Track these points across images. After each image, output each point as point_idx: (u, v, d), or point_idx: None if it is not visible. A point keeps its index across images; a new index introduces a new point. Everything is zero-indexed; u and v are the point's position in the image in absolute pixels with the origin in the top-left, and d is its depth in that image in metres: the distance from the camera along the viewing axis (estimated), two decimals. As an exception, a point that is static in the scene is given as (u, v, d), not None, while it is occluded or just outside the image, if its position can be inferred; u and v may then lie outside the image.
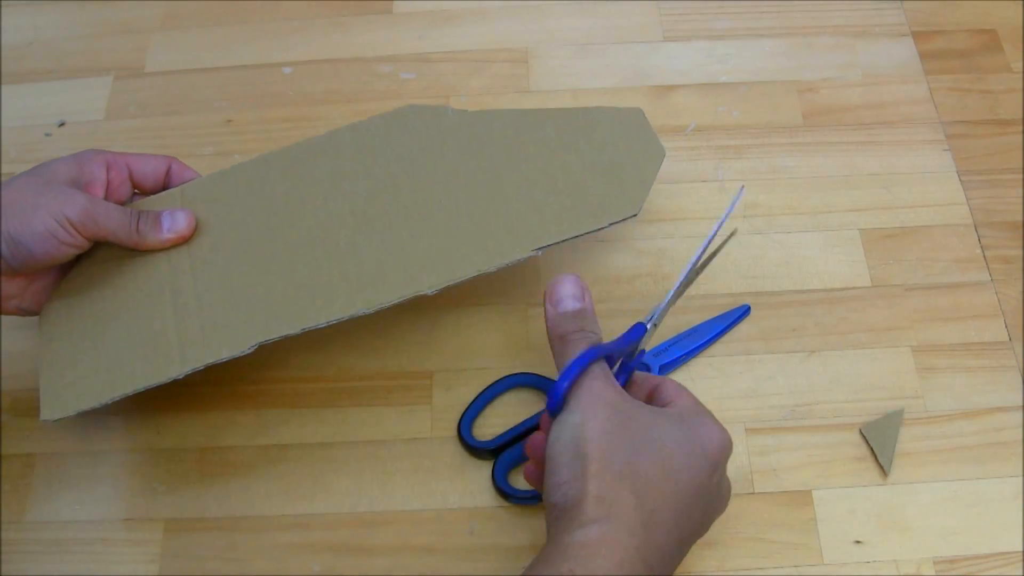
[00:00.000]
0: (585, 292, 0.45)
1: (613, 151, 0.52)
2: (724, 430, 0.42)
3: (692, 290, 0.56)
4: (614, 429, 0.39)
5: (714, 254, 0.47)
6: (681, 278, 0.46)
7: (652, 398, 0.44)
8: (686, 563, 0.48)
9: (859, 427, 0.51)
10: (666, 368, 0.53)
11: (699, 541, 0.49)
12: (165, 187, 0.53)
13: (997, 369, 0.53)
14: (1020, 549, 0.48)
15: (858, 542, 0.48)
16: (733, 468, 0.50)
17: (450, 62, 0.66)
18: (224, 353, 0.47)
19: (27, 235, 0.45)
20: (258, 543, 0.49)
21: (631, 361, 0.46)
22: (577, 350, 0.42)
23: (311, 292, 0.48)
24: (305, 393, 0.54)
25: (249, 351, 0.47)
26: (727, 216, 0.46)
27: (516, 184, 0.51)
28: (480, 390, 0.52)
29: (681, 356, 0.53)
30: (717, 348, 0.54)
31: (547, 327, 0.44)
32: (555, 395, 0.40)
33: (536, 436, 0.43)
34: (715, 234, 0.46)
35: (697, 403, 0.43)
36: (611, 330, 0.54)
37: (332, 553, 0.49)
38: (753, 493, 0.50)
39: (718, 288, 0.56)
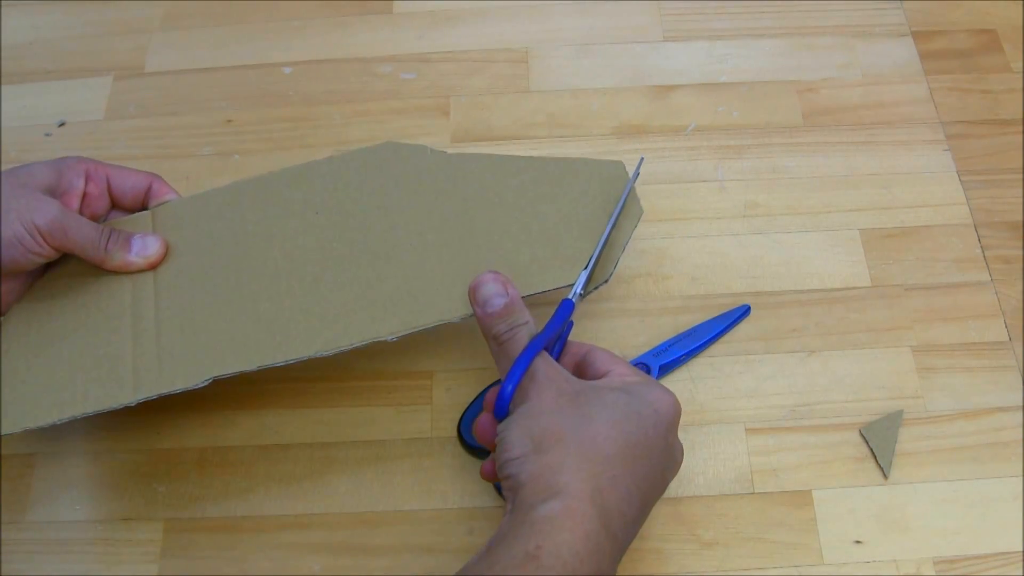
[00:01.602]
0: (507, 285, 0.45)
1: (591, 205, 0.51)
2: (670, 393, 0.43)
3: (692, 290, 0.56)
4: (563, 406, 0.40)
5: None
6: (603, 237, 0.48)
7: (583, 366, 0.45)
8: (686, 563, 0.48)
9: (859, 427, 0.51)
10: (666, 368, 0.53)
11: (699, 541, 0.49)
12: (144, 205, 0.52)
13: (997, 369, 0.53)
14: (1020, 549, 0.48)
15: (858, 542, 0.48)
16: (733, 468, 0.50)
17: (450, 62, 0.66)
18: (177, 385, 0.47)
19: None
20: (258, 543, 0.49)
21: (564, 333, 0.47)
22: (515, 348, 0.43)
23: (271, 329, 0.48)
24: (305, 393, 0.54)
25: (203, 385, 0.46)
26: (633, 181, 0.50)
27: (489, 231, 0.50)
28: (480, 390, 0.52)
29: (681, 356, 0.53)
30: (717, 348, 0.54)
31: (480, 329, 0.45)
32: (502, 400, 0.41)
33: (484, 417, 0.44)
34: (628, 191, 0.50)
35: (635, 370, 0.44)
36: (611, 330, 0.55)
37: (332, 553, 0.49)
38: (753, 493, 0.50)
39: (718, 288, 0.56)
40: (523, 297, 0.46)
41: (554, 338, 0.45)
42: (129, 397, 0.47)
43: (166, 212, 0.52)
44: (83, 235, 0.47)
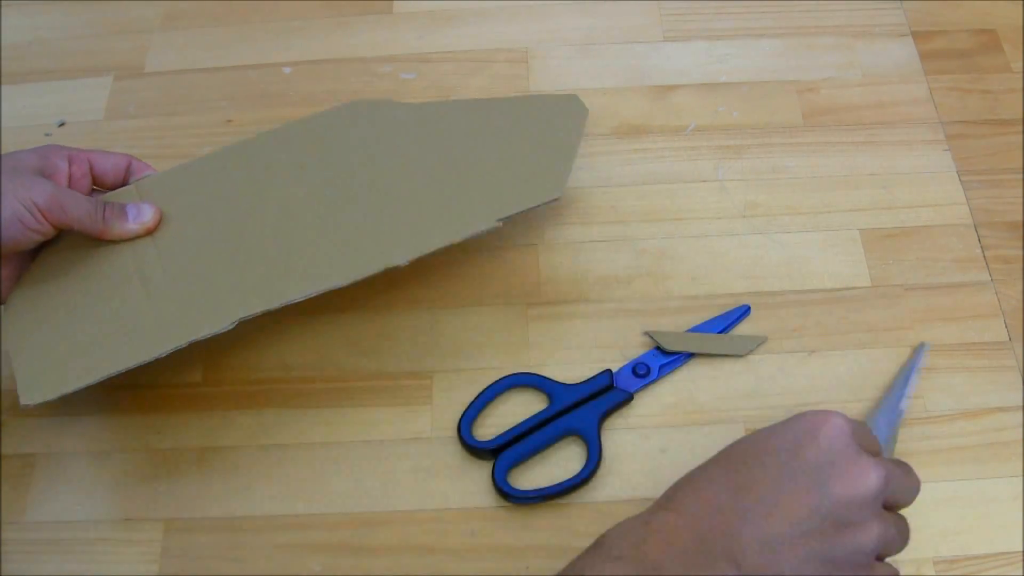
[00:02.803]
0: None
1: (557, 133, 0.55)
2: (825, 413, 0.40)
3: (692, 290, 0.56)
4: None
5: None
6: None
7: None
8: (686, 563, 0.48)
9: (859, 427, 0.51)
10: (665, 368, 0.53)
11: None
12: (124, 183, 0.53)
13: (997, 369, 0.53)
14: (1020, 549, 0.48)
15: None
16: (733, 468, 0.50)
17: (450, 62, 0.66)
18: (205, 330, 0.47)
19: None
20: (258, 543, 0.49)
21: None
22: None
23: (285, 269, 0.49)
24: (305, 393, 0.54)
25: (230, 327, 0.47)
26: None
27: (467, 166, 0.53)
28: (480, 390, 0.52)
29: (681, 356, 0.53)
30: (717, 348, 0.54)
31: None
32: None
33: None
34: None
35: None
36: (611, 330, 0.55)
37: (332, 553, 0.49)
38: (753, 493, 0.50)
39: (718, 288, 0.56)
40: (514, 214, 0.50)
41: None
42: (159, 348, 0.47)
43: (149, 184, 0.53)
44: (80, 209, 0.48)
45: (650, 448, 0.51)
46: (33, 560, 0.49)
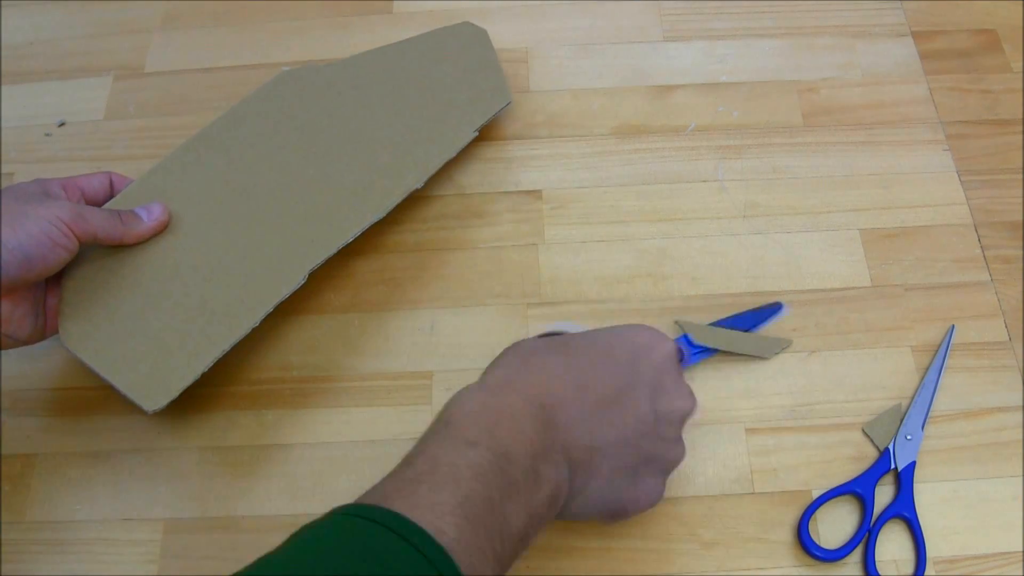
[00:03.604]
0: None
1: (475, 56, 0.62)
2: (655, 332, 0.45)
3: (692, 290, 0.56)
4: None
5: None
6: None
7: None
8: (686, 563, 0.48)
9: (859, 427, 0.51)
10: (686, 361, 0.52)
11: (699, 541, 0.49)
12: (111, 197, 0.55)
13: (997, 369, 0.53)
14: (1020, 549, 0.48)
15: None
16: (733, 468, 0.50)
17: (450, 62, 0.66)
18: (283, 290, 0.51)
19: (23, 238, 0.45)
20: (258, 543, 0.49)
21: None
22: None
23: (320, 221, 0.53)
24: (305, 393, 0.54)
25: (303, 281, 0.51)
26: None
27: (420, 101, 0.59)
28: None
29: (705, 351, 0.53)
30: (717, 348, 0.54)
31: None
32: None
33: None
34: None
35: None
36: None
37: (332, 553, 0.49)
38: (753, 493, 0.50)
39: (718, 288, 0.56)
40: (480, 127, 0.58)
41: None
42: (249, 320, 0.50)
43: (135, 191, 0.55)
44: (100, 218, 0.49)
45: (650, 448, 0.51)
46: (33, 560, 0.49)
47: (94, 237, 0.49)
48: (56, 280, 0.51)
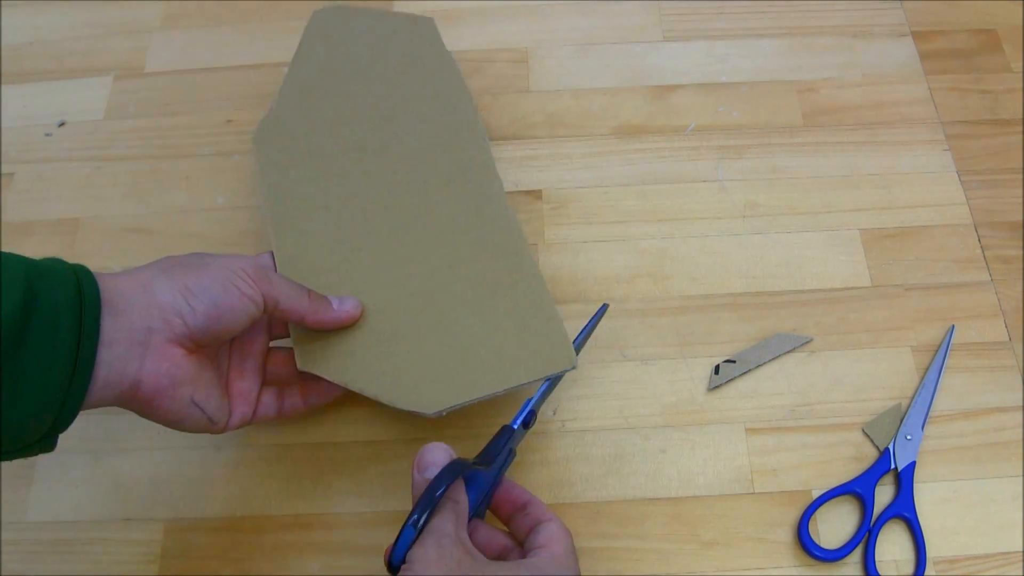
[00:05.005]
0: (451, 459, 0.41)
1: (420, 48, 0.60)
2: None
3: (692, 290, 0.56)
4: None
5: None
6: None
7: (519, 518, 0.43)
8: (687, 563, 0.48)
9: (859, 427, 0.51)
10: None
11: (699, 541, 0.49)
12: None
13: (997, 369, 0.53)
14: (1020, 549, 0.48)
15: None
16: (733, 468, 0.50)
17: (450, 62, 0.66)
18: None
19: (207, 282, 0.42)
20: (258, 543, 0.49)
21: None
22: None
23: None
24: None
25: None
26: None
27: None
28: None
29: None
30: (717, 348, 0.54)
31: (412, 494, 0.41)
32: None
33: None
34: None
35: (566, 557, 0.40)
36: (610, 330, 0.55)
37: (332, 553, 0.49)
38: (753, 493, 0.50)
39: (718, 288, 0.56)
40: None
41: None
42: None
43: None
44: (286, 286, 0.46)
45: (650, 448, 0.51)
46: (33, 560, 0.49)
47: (276, 303, 0.45)
48: (240, 361, 0.48)
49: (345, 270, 0.51)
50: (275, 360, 0.50)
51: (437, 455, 0.41)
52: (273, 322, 0.50)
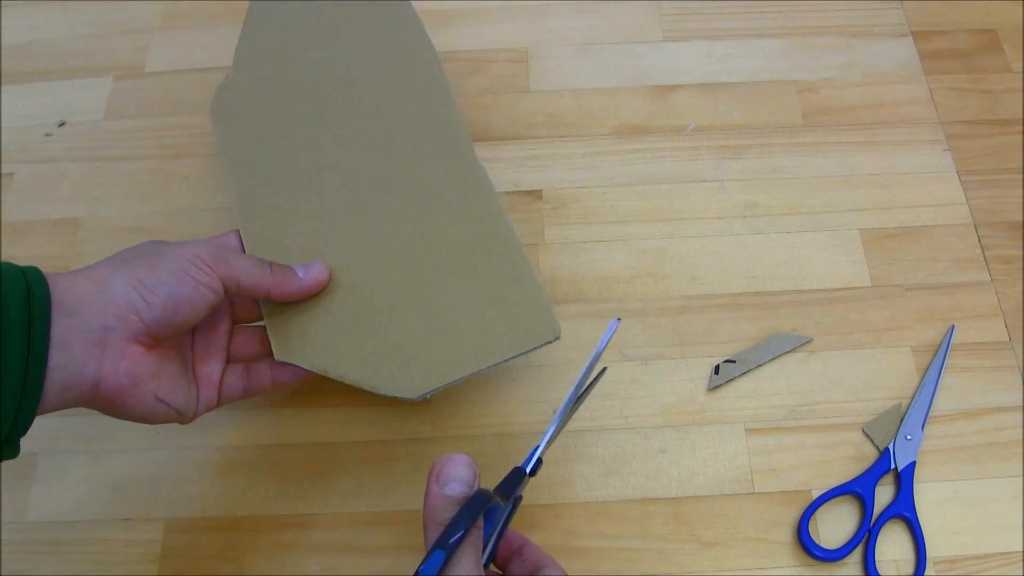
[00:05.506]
0: (476, 478, 0.38)
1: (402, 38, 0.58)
2: None
3: (692, 290, 0.56)
4: None
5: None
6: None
7: (516, 562, 0.42)
8: (686, 563, 0.48)
9: (859, 427, 0.51)
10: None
11: (699, 541, 0.49)
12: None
13: (997, 369, 0.53)
14: (1020, 549, 0.48)
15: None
16: (733, 468, 0.50)
17: (450, 62, 0.66)
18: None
19: (163, 275, 0.41)
20: (258, 543, 0.49)
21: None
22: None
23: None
24: (305, 393, 0.54)
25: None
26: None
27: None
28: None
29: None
30: (717, 348, 0.54)
31: (425, 505, 0.38)
32: None
33: None
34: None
35: None
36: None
37: (332, 553, 0.49)
38: (753, 493, 0.50)
39: (718, 288, 0.56)
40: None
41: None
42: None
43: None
44: (245, 264, 0.45)
45: (650, 448, 0.51)
46: (33, 560, 0.49)
47: (237, 283, 0.44)
48: (204, 347, 0.47)
49: (317, 247, 0.50)
50: (240, 337, 0.49)
51: (459, 470, 0.38)
52: (239, 303, 0.49)
